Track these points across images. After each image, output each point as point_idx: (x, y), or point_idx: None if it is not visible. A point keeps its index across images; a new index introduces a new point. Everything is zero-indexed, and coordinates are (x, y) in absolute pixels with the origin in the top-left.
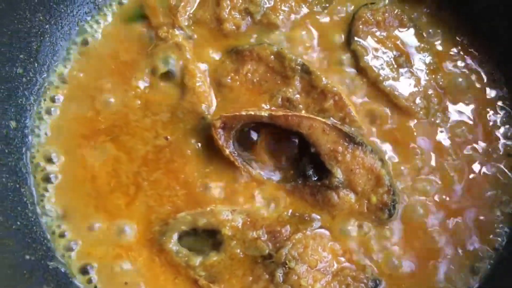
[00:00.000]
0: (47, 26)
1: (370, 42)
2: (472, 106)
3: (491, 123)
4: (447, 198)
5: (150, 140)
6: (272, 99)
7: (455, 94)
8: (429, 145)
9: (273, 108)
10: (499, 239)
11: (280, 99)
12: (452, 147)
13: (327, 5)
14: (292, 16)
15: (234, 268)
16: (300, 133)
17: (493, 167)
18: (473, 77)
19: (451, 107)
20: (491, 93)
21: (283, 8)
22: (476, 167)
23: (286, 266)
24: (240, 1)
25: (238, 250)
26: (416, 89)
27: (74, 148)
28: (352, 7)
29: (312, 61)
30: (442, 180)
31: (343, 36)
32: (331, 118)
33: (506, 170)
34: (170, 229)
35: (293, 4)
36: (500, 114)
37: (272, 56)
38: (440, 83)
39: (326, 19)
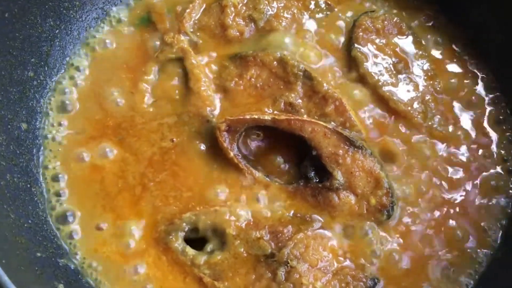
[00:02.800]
0: (57, 31)
1: (369, 49)
2: (467, 110)
3: (485, 128)
4: (445, 199)
5: (156, 142)
6: (275, 104)
7: (452, 99)
8: (427, 148)
9: (276, 112)
10: (495, 239)
11: (282, 104)
12: (449, 151)
13: (328, 12)
14: (294, 23)
15: (237, 266)
16: (302, 136)
17: (489, 171)
18: (469, 82)
19: (448, 112)
20: (486, 98)
21: (285, 15)
22: (472, 170)
23: (288, 265)
24: (244, 8)
25: (242, 249)
26: (414, 94)
27: (82, 149)
28: (353, 15)
29: (313, 67)
30: (440, 182)
31: (343, 43)
32: (332, 123)
33: (500, 173)
34: (175, 228)
35: (295, 11)
36: (494, 118)
37: (275, 62)
38: (438, 88)
39: (327, 27)
